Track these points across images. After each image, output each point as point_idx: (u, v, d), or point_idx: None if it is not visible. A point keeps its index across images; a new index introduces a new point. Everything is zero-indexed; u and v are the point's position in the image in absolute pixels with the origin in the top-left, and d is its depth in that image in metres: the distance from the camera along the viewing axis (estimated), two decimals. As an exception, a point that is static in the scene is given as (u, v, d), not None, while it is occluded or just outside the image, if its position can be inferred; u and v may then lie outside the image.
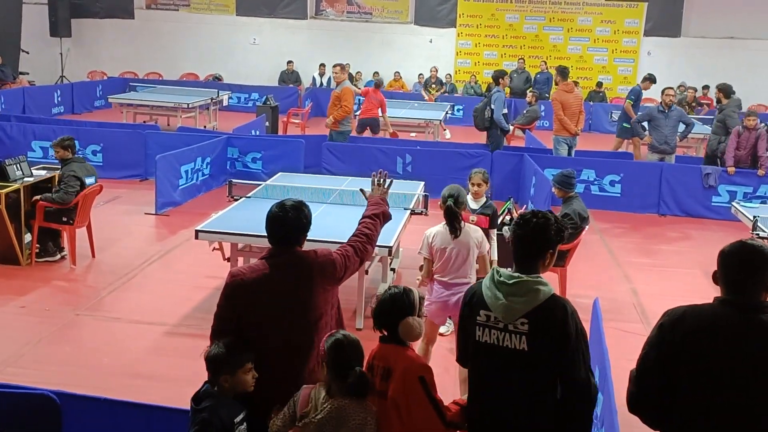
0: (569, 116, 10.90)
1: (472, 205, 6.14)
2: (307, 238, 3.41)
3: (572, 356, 2.82)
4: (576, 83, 18.68)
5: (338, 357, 2.99)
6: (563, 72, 11.29)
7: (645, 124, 11.39)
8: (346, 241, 3.58)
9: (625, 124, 13.03)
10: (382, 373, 3.03)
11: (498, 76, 11.11)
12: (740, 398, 2.58)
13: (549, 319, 2.82)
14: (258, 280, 3.21)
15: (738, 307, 2.63)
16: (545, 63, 19.52)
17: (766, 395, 2.57)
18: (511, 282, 2.88)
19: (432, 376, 3.05)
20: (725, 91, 11.15)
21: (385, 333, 3.11)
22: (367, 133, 12.96)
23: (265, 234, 3.34)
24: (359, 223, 3.68)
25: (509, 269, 3.02)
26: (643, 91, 13.40)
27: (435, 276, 4.97)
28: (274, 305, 3.21)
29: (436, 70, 19.71)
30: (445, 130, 15.55)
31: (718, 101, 11.33)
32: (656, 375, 2.71)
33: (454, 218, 4.85)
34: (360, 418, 2.94)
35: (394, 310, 3.08)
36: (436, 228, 4.99)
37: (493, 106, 10.90)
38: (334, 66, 11.49)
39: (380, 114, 13.06)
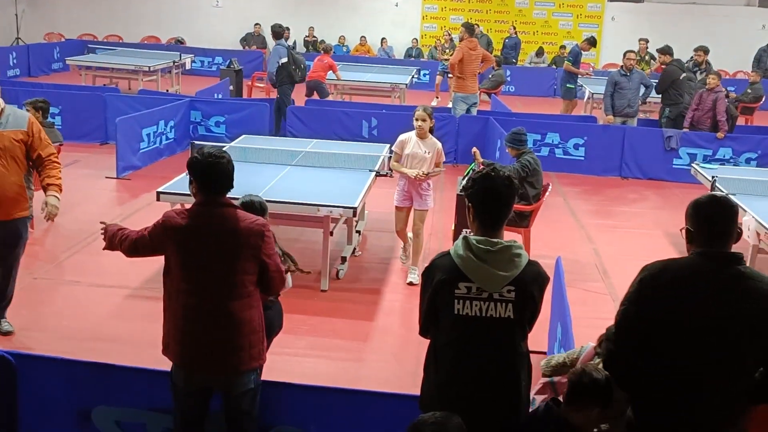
0: (469, 75, 10.69)
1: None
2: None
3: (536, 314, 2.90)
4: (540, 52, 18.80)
5: None
6: (469, 28, 10.85)
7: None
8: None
9: (568, 85, 13.37)
10: None
11: (278, 31, 11.22)
12: (715, 348, 2.57)
13: (533, 284, 2.79)
14: (190, 226, 3.25)
15: (716, 258, 2.63)
16: (514, 28, 19.46)
17: (741, 344, 2.57)
18: (495, 249, 2.75)
19: None
20: (669, 51, 11.27)
21: None
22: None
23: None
24: None
25: (468, 232, 2.89)
26: (582, 51, 13.73)
27: None
28: (201, 248, 3.23)
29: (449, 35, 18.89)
30: (437, 97, 15.66)
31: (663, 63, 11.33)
32: (635, 331, 2.67)
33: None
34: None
35: None
36: None
37: (281, 61, 10.89)
38: None
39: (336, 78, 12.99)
